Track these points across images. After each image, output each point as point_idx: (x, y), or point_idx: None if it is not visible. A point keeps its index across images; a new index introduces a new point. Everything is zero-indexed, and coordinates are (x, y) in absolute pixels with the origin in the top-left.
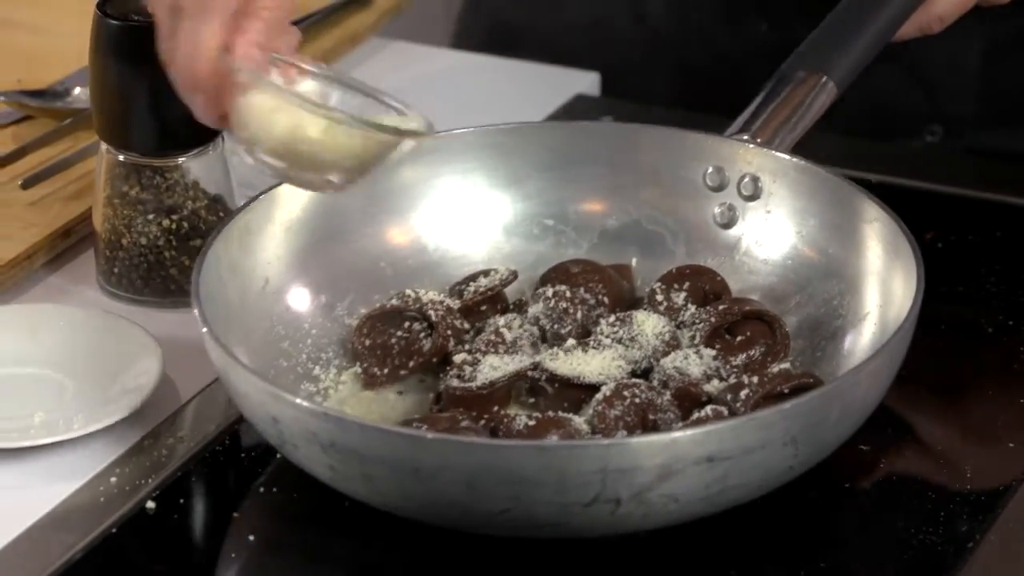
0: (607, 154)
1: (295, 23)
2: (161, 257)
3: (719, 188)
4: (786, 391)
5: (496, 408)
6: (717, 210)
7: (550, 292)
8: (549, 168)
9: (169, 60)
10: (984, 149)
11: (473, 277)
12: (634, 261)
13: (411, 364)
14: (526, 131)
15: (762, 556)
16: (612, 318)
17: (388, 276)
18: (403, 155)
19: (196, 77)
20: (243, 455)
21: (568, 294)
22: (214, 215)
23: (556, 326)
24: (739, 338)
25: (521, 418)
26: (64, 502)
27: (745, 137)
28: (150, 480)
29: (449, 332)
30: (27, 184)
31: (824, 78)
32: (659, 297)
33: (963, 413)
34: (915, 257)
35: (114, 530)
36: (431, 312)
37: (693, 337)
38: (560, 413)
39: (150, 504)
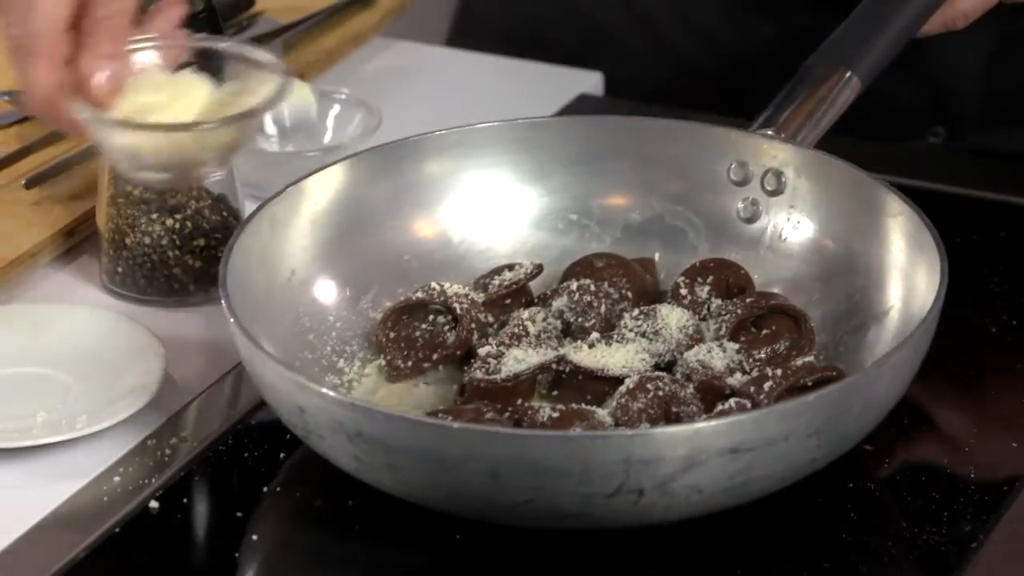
0: (632, 149)
1: (298, 23)
2: (165, 257)
3: (743, 183)
4: (809, 384)
5: (520, 400)
6: (740, 205)
7: (574, 286)
8: (575, 163)
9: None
10: (987, 150)
11: (498, 270)
12: (657, 255)
13: (435, 357)
14: (553, 126)
15: (768, 556)
16: (636, 312)
17: (413, 269)
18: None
19: (45, 116)
20: (246, 455)
21: (592, 288)
22: (218, 215)
23: (580, 319)
24: (764, 332)
25: (545, 410)
26: (67, 502)
27: (769, 132)
28: (153, 480)
29: (473, 325)
30: (30, 184)
31: (848, 73)
32: (683, 291)
33: (966, 413)
34: (939, 251)
35: (117, 530)
36: (455, 305)
37: (718, 330)
38: (584, 405)
39: (153, 504)
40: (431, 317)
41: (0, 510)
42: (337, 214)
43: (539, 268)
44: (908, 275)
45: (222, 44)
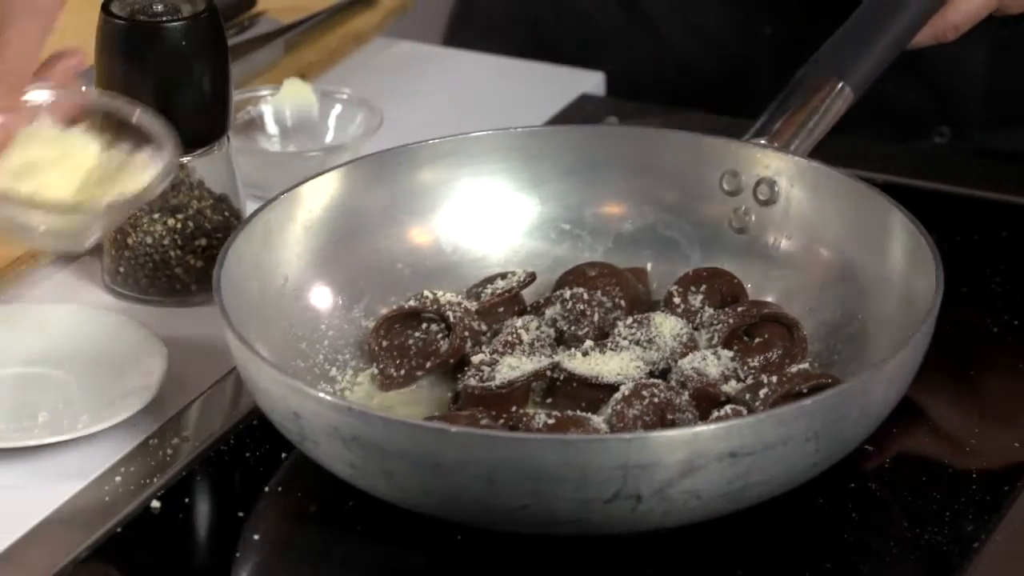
0: (625, 158)
1: (300, 23)
2: (166, 256)
3: (735, 192)
4: (805, 391)
5: (514, 408)
6: (733, 214)
7: (567, 294)
8: (569, 172)
9: None
10: (993, 150)
11: (491, 279)
12: (649, 265)
13: (428, 365)
14: (547, 135)
15: (768, 556)
16: (630, 320)
17: (406, 277)
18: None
19: None
20: (248, 455)
21: (585, 296)
22: (219, 215)
23: (573, 328)
24: (757, 340)
25: (540, 417)
26: (69, 501)
27: (762, 141)
28: (155, 479)
29: (466, 333)
30: None
31: (841, 83)
32: (676, 299)
33: (968, 413)
34: (934, 258)
35: (119, 529)
36: (449, 313)
37: (711, 338)
38: (579, 412)
39: (155, 504)
40: (424, 325)
41: (1, 510)
42: (331, 221)
43: (532, 277)
44: (903, 282)
45: (118, 103)
